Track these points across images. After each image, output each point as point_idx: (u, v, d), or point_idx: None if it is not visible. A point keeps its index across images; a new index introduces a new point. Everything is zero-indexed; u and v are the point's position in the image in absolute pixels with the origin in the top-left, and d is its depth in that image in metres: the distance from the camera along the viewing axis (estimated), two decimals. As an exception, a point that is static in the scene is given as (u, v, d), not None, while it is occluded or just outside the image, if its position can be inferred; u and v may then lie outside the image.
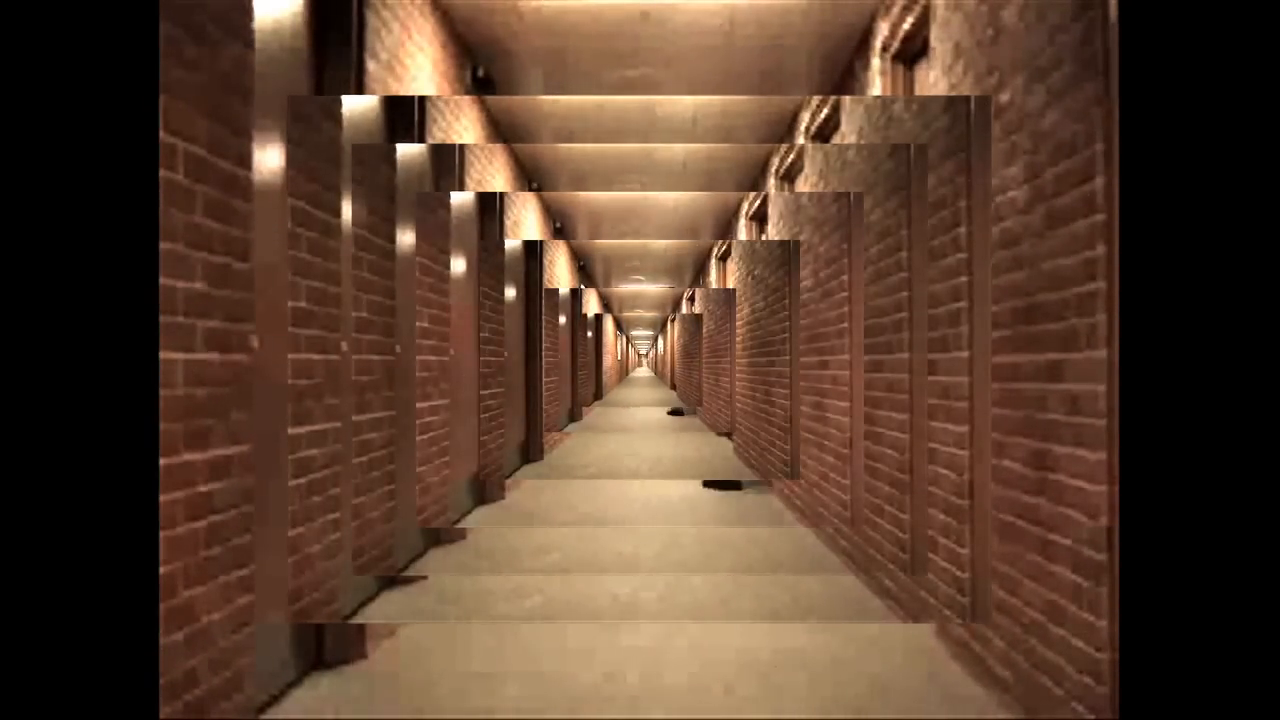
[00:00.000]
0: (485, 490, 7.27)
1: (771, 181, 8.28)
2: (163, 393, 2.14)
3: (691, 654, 3.56)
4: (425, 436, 5.15)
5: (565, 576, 4.82)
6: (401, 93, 4.38)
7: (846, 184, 5.37)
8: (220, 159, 2.42)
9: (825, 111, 6.06)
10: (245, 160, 2.57)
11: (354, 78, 3.72)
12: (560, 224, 12.32)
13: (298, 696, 3.10)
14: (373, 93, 3.94)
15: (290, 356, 3.14)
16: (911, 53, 4.53)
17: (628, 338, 53.79)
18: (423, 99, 4.80)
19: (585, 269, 18.08)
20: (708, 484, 8.23)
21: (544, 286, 10.31)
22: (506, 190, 7.85)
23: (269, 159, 3.06)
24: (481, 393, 7.10)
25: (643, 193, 10.48)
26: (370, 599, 4.27)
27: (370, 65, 3.90)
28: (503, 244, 7.49)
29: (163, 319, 2.15)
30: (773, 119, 7.43)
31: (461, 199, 6.50)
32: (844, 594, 4.50)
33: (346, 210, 3.79)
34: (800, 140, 6.88)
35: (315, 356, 3.32)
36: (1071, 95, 2.56)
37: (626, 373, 53.90)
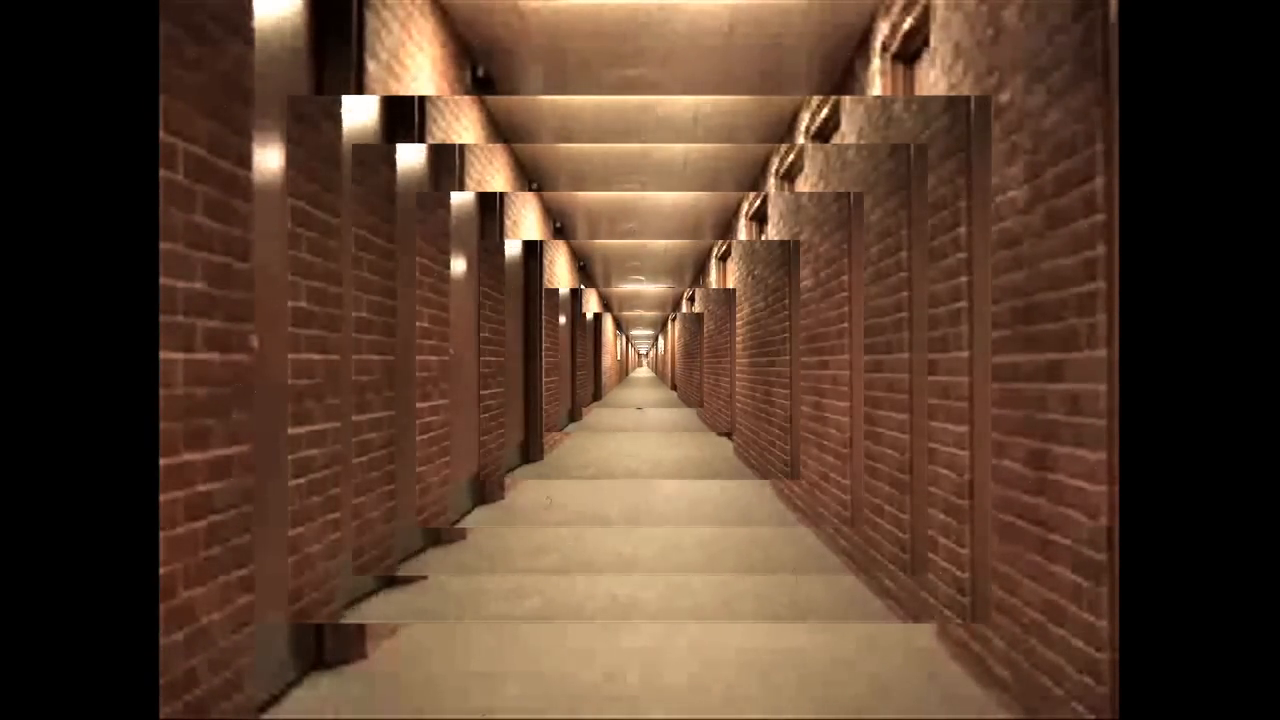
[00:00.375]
0: (485, 490, 7.27)
1: (771, 181, 8.28)
2: (163, 392, 2.14)
3: (691, 654, 3.56)
4: (425, 436, 5.15)
5: (565, 577, 4.82)
6: (401, 93, 4.38)
7: (846, 184, 5.37)
8: (220, 159, 2.42)
9: (825, 111, 6.06)
10: (245, 160, 2.57)
11: (354, 78, 3.72)
12: (560, 224, 12.32)
13: (298, 696, 3.10)
14: (373, 93, 3.93)
15: (290, 356, 3.14)
16: (911, 52, 4.53)
17: (627, 337, 53.78)
18: (423, 99, 4.79)
19: (585, 269, 18.08)
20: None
21: (544, 286, 10.31)
22: (506, 190, 7.85)
23: (269, 159, 3.06)
24: (481, 393, 7.10)
25: (643, 193, 10.48)
26: (361, 598, 4.27)
27: (370, 65, 3.90)
28: (503, 244, 7.49)
29: (163, 319, 2.15)
30: (773, 119, 7.43)
31: (461, 199, 6.50)
32: (844, 594, 4.50)
33: (347, 210, 3.79)
34: (800, 140, 6.88)
35: (315, 356, 3.32)
36: (1071, 95, 2.56)
37: (626, 373, 53.89)
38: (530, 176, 9.47)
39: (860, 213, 5.21)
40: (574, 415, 16.58)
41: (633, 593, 4.49)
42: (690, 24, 5.38)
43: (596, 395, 24.99)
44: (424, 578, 4.75)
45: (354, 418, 3.90)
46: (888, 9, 4.65)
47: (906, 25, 4.25)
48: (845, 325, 5.39)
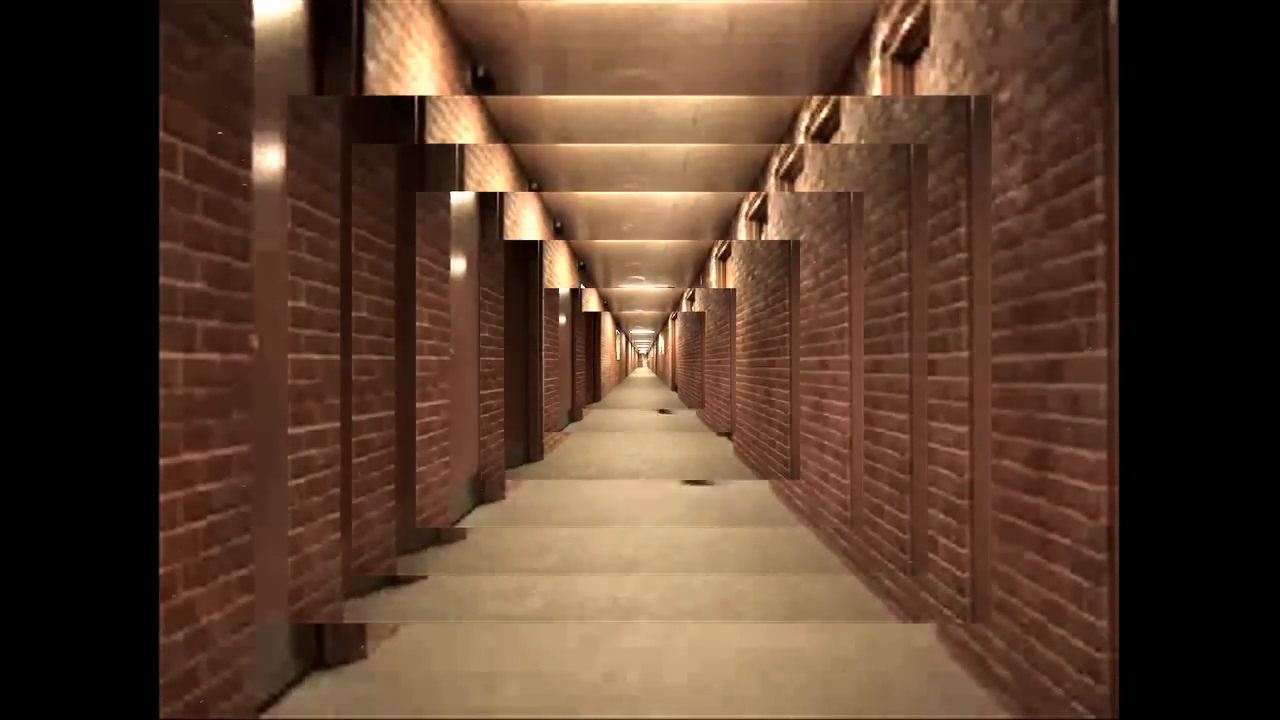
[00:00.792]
0: (485, 490, 7.27)
1: (771, 181, 8.28)
2: (163, 392, 2.14)
3: (691, 654, 3.56)
4: (425, 436, 5.15)
5: (565, 577, 4.82)
6: (401, 93, 4.38)
7: (846, 184, 5.37)
8: (220, 159, 2.42)
9: (825, 111, 6.06)
10: (245, 160, 2.57)
11: (354, 78, 3.72)
12: (560, 224, 12.32)
13: (298, 696, 3.10)
14: (373, 93, 3.94)
15: (290, 356, 3.14)
16: (911, 52, 4.53)
17: (627, 337, 53.74)
18: (423, 99, 4.80)
19: (585, 269, 18.08)
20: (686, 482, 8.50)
21: (544, 286, 10.31)
22: (506, 190, 7.85)
23: (269, 159, 3.06)
24: (481, 393, 7.10)
25: (643, 193, 10.48)
26: (362, 594, 4.27)
27: (370, 65, 3.90)
28: (503, 244, 7.50)
29: (163, 319, 2.15)
30: (773, 119, 7.43)
31: (461, 199, 6.50)
32: (844, 594, 4.50)
33: (347, 210, 3.79)
34: (800, 140, 6.88)
35: (315, 356, 3.32)
36: (1071, 95, 2.56)
37: (626, 373, 53.84)
38: (530, 176, 9.47)
39: (860, 213, 5.21)
40: (574, 415, 16.58)
41: (633, 593, 4.49)
42: (690, 24, 5.38)
43: (595, 397, 24.92)
44: (424, 577, 4.75)
45: (354, 418, 3.90)
46: (888, 9, 4.65)
47: (906, 25, 4.25)
48: (845, 325, 5.39)
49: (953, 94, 3.53)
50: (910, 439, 4.16)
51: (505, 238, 7.79)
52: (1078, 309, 2.54)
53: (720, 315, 13.72)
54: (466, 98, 6.06)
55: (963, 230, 3.47)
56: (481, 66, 6.02)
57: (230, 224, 2.48)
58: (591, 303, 21.44)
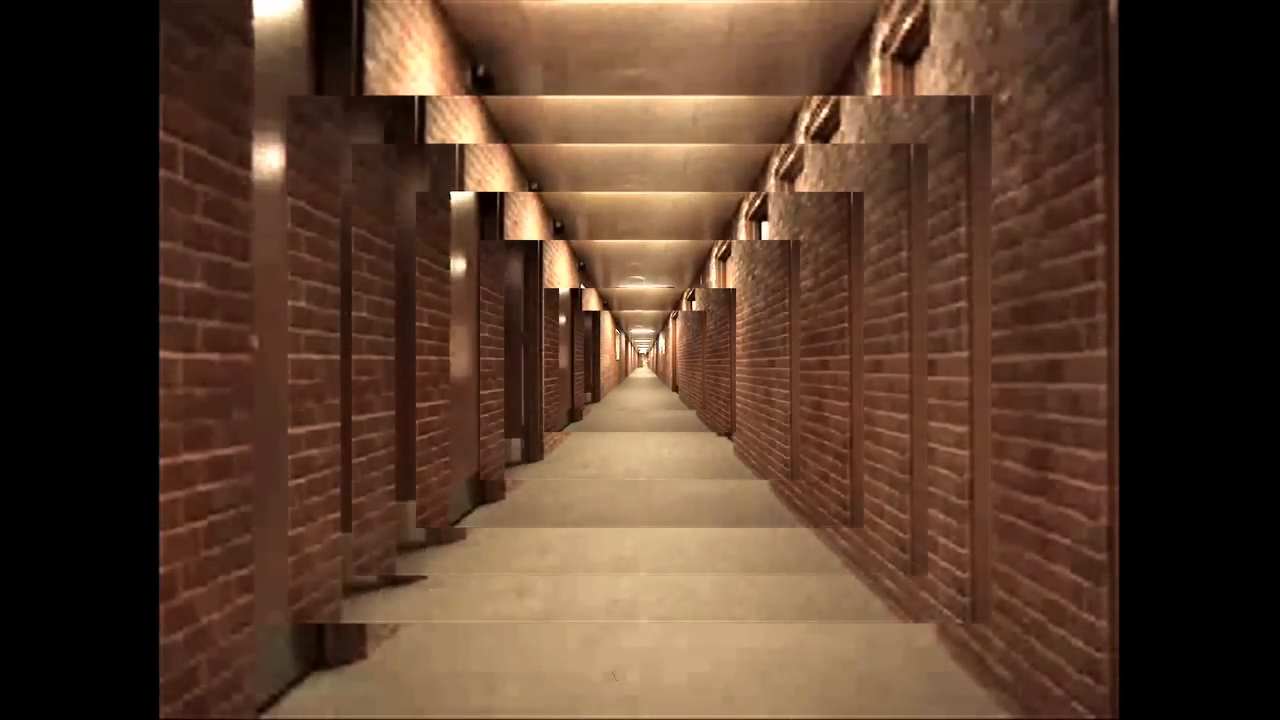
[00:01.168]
0: (485, 490, 7.27)
1: (771, 181, 8.28)
2: (163, 392, 2.14)
3: (691, 654, 3.56)
4: (425, 436, 5.15)
5: (565, 576, 4.82)
6: (401, 93, 4.38)
7: (846, 184, 5.37)
8: (220, 159, 2.43)
9: (825, 111, 6.06)
10: (245, 160, 2.57)
11: (354, 78, 3.72)
12: (560, 224, 12.32)
13: (298, 696, 3.10)
14: (373, 92, 3.94)
15: (290, 356, 3.14)
16: (911, 52, 4.53)
17: (627, 337, 53.73)
18: (423, 99, 4.79)
19: (585, 269, 18.08)
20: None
21: (544, 286, 10.31)
22: (506, 190, 7.85)
23: (269, 159, 3.06)
24: (481, 393, 7.10)
25: (643, 193, 10.48)
26: (361, 591, 4.27)
27: (370, 65, 3.90)
28: (503, 244, 7.49)
29: (163, 319, 2.15)
30: (772, 119, 7.43)
31: (461, 199, 6.50)
32: (844, 594, 4.50)
33: (347, 210, 3.79)
34: (800, 140, 6.88)
35: (315, 356, 3.32)
36: (1071, 95, 2.56)
37: (626, 373, 53.83)
38: (530, 176, 9.47)
39: (860, 213, 5.21)
40: (574, 415, 16.58)
41: (633, 593, 4.49)
42: (690, 24, 5.38)
43: (595, 397, 24.93)
44: (424, 578, 4.75)
45: (354, 418, 3.90)
46: (888, 9, 4.65)
47: (906, 25, 4.25)
48: (845, 325, 5.39)
49: (953, 94, 3.53)
50: (910, 439, 4.16)
51: (505, 238, 7.79)
52: (1078, 309, 2.54)
53: (720, 315, 13.72)
54: (466, 97, 6.06)
55: (963, 230, 3.47)
56: (481, 66, 6.02)
57: (230, 224, 2.48)
58: (591, 302, 21.44)
